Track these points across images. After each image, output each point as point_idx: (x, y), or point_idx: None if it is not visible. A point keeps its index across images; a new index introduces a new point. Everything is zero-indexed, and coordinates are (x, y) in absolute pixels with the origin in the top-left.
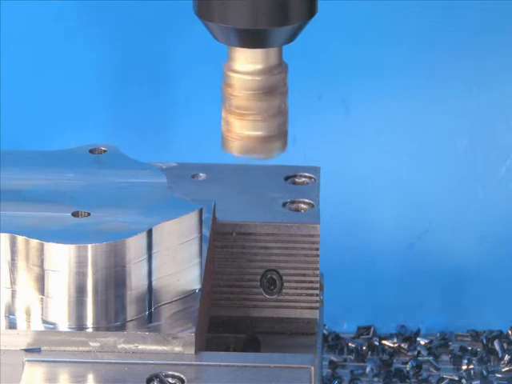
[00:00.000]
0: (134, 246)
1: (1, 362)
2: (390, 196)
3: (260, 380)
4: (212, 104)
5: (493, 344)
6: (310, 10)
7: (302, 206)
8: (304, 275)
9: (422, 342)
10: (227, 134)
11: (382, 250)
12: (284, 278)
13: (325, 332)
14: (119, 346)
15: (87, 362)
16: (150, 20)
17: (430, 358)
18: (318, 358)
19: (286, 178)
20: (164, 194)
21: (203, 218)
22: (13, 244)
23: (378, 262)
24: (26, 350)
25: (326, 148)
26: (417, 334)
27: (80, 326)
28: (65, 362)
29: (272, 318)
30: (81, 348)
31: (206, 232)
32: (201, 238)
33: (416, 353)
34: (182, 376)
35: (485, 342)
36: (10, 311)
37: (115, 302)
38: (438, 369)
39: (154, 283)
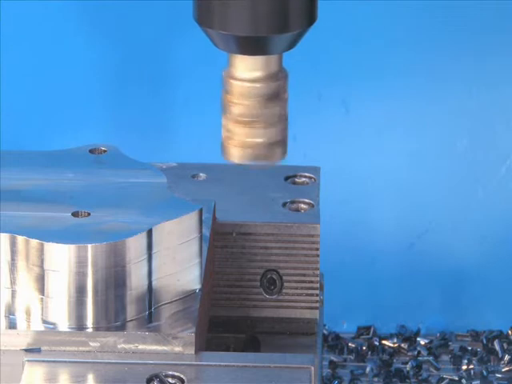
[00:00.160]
0: (134, 246)
1: (1, 362)
2: (390, 196)
3: (260, 380)
4: (212, 104)
5: (493, 344)
6: (310, 17)
7: (302, 206)
8: (304, 275)
9: (422, 342)
10: (227, 141)
11: (381, 249)
12: (284, 278)
13: (325, 332)
14: (119, 346)
15: (87, 362)
16: (150, 20)
17: (430, 358)
18: (318, 358)
19: (286, 178)
20: (164, 194)
21: (203, 218)
22: (13, 244)
23: (378, 262)
24: (26, 350)
25: (325, 148)
26: (417, 334)
27: (80, 325)
28: (65, 361)
29: (272, 318)
30: (81, 348)
31: (206, 232)
32: (201, 238)
33: (416, 353)
34: (182, 376)
35: (485, 342)
36: (10, 311)
37: (115, 301)
38: (438, 369)
39: (153, 283)
